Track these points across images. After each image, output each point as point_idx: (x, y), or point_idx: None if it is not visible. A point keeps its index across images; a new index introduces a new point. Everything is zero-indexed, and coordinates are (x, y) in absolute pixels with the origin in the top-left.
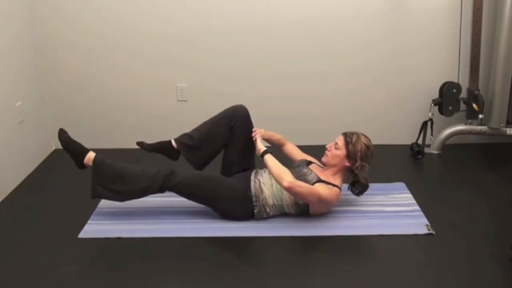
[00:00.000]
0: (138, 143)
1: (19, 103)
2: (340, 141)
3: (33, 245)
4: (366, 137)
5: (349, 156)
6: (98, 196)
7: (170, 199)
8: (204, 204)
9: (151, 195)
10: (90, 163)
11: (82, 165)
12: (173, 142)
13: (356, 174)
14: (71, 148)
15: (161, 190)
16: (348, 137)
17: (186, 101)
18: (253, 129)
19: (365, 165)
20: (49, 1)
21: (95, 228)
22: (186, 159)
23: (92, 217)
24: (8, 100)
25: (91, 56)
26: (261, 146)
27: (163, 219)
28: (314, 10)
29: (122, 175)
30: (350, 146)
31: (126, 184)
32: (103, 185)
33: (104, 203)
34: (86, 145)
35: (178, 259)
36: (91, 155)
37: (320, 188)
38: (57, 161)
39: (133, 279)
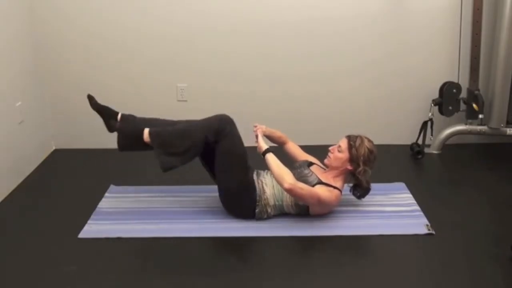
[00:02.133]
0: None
1: (19, 103)
2: (344, 144)
3: (33, 245)
4: (369, 141)
5: (352, 160)
6: (169, 167)
7: (170, 199)
8: (220, 173)
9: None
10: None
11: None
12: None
13: (358, 178)
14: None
15: (216, 135)
16: (351, 140)
17: (186, 101)
18: (255, 125)
19: (367, 170)
20: (49, 1)
21: (95, 228)
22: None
23: (92, 217)
24: (8, 100)
25: (91, 56)
26: (262, 144)
27: (163, 219)
28: (314, 10)
29: (178, 134)
30: (353, 150)
31: (186, 141)
32: (167, 153)
33: (104, 203)
34: (86, 145)
35: (178, 259)
36: (146, 131)
37: (320, 191)
38: (57, 161)
39: (133, 279)
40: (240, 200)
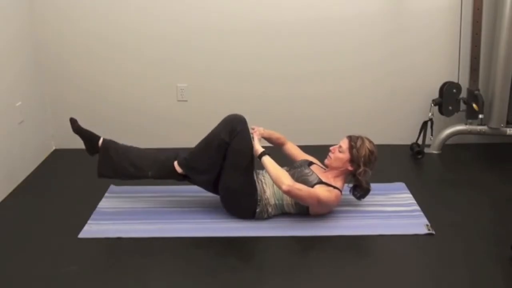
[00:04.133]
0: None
1: (19, 103)
2: (345, 144)
3: (33, 245)
4: (370, 142)
5: (353, 160)
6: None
7: (170, 199)
8: (227, 172)
9: (151, 192)
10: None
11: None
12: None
13: (358, 178)
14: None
15: (230, 135)
16: (353, 141)
17: (186, 101)
18: (252, 127)
19: (368, 170)
20: (49, 1)
21: (95, 228)
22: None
23: (92, 217)
24: (8, 100)
25: (91, 56)
26: (258, 146)
27: (163, 219)
28: (314, 10)
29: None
30: (354, 151)
31: (208, 153)
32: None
33: (104, 203)
34: None
35: (178, 259)
36: (101, 140)
37: (319, 191)
38: (57, 161)
39: (133, 279)
40: (242, 200)
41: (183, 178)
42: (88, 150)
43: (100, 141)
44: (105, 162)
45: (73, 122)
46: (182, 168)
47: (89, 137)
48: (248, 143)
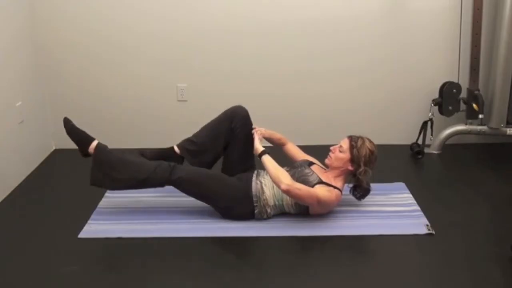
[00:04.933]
0: (140, 152)
1: (19, 103)
2: (345, 144)
3: (33, 245)
4: (371, 142)
5: (353, 160)
6: (95, 183)
7: (170, 199)
8: (204, 201)
9: (151, 192)
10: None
11: (86, 153)
12: (176, 148)
13: (359, 178)
14: (76, 137)
15: (161, 183)
16: (353, 141)
17: (186, 101)
18: (253, 127)
19: (368, 171)
20: (49, 1)
21: (95, 228)
22: (191, 165)
23: (92, 217)
24: (8, 100)
25: (91, 56)
26: (259, 146)
27: (163, 219)
28: (314, 10)
29: (123, 162)
30: (355, 151)
31: (125, 172)
32: (102, 171)
33: (104, 203)
34: None
35: (178, 259)
36: (95, 143)
37: (319, 191)
38: (57, 161)
39: (133, 279)
40: (236, 210)
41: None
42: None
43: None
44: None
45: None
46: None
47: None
48: (196, 175)
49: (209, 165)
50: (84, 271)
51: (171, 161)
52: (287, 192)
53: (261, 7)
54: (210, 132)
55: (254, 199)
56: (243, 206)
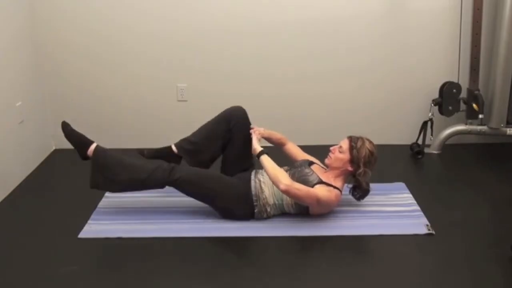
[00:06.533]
0: (139, 151)
1: (19, 103)
2: (345, 144)
3: (33, 245)
4: (371, 142)
5: (353, 161)
6: (95, 186)
7: (170, 199)
8: (204, 202)
9: (151, 192)
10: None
11: (85, 157)
12: (174, 147)
13: (358, 179)
14: (74, 140)
15: (161, 184)
16: (353, 141)
17: (186, 101)
18: (251, 127)
19: (367, 171)
20: (49, 1)
21: (95, 228)
22: (188, 164)
23: (92, 217)
24: (8, 100)
25: (91, 56)
26: (257, 146)
27: (163, 219)
28: (314, 10)
29: (123, 164)
30: (355, 151)
31: (125, 173)
32: (101, 173)
33: (104, 203)
34: None
35: (178, 259)
36: (93, 146)
37: (319, 191)
38: (57, 161)
39: (133, 279)
40: (236, 210)
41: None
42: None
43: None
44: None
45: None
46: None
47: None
48: (195, 174)
49: (207, 165)
50: (84, 271)
51: (169, 160)
52: (286, 192)
53: (261, 7)
54: (207, 132)
55: (254, 198)
56: (243, 206)
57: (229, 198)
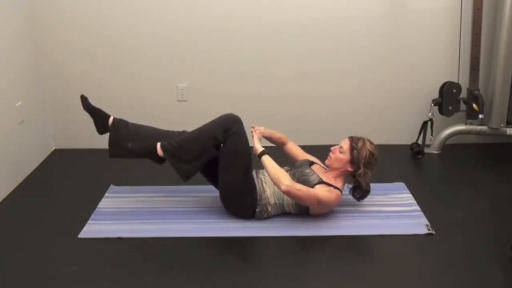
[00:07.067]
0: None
1: (19, 103)
2: (346, 145)
3: (33, 245)
4: (372, 143)
5: (353, 162)
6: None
7: (170, 199)
8: (223, 173)
9: (151, 192)
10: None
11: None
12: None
13: (358, 180)
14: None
15: (224, 133)
16: (354, 142)
17: (186, 101)
18: (252, 126)
19: (367, 172)
20: (49, 1)
21: (95, 228)
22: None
23: (92, 217)
24: (8, 100)
25: (91, 56)
26: (258, 146)
27: (163, 219)
28: (314, 10)
29: (190, 139)
30: (355, 152)
31: (198, 144)
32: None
33: (104, 203)
34: (86, 145)
35: (178, 259)
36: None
37: (319, 191)
38: (57, 161)
39: (133, 279)
40: (241, 200)
41: (160, 161)
42: (97, 128)
43: (110, 119)
44: (116, 142)
45: (84, 99)
46: (164, 154)
47: (99, 115)
48: (245, 144)
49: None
50: (84, 271)
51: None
52: (287, 193)
53: (261, 7)
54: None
55: (257, 197)
56: (248, 200)
57: (244, 185)
